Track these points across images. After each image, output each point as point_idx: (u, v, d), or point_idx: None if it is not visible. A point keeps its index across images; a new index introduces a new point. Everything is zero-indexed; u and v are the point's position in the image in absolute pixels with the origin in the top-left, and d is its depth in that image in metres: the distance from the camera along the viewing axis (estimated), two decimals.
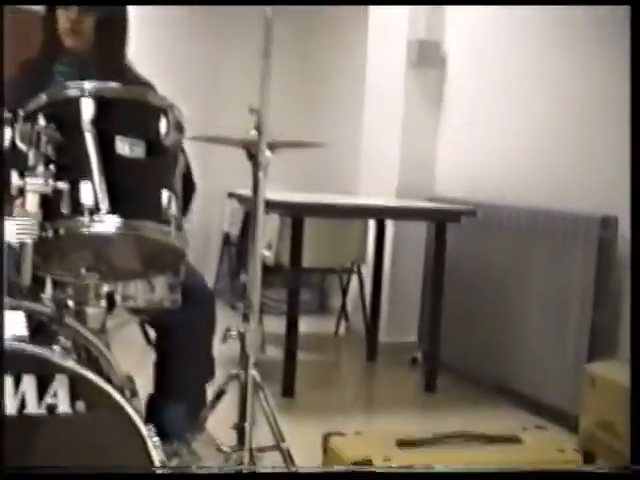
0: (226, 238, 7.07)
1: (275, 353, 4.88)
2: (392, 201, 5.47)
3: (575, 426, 3.94)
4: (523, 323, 4.63)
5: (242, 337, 2.54)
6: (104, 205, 2.07)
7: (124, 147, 2.13)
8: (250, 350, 2.54)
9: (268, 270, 5.52)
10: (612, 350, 4.26)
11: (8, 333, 2.03)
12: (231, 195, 5.13)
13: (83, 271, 2.30)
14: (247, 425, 2.57)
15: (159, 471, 2.08)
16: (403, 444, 1.99)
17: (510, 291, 4.74)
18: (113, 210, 2.08)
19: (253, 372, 2.58)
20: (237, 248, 6.77)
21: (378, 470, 1.42)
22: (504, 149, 5.13)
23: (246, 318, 2.54)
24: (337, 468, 1.81)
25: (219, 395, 2.82)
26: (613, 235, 4.17)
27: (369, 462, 1.88)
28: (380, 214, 5.19)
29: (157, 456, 2.05)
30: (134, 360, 3.12)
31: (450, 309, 4.94)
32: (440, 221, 4.80)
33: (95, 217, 2.06)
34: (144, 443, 2.05)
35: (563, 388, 4.26)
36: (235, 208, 6.52)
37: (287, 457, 2.82)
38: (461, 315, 5.07)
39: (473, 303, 5.03)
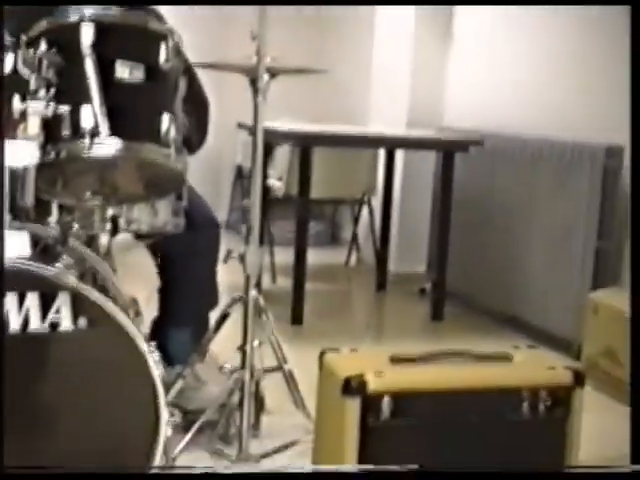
0: (238, 171, 7.11)
1: (286, 284, 4.94)
2: (401, 131, 5.49)
3: (579, 354, 4.01)
4: (528, 252, 4.67)
5: (243, 259, 2.60)
6: (104, 128, 2.11)
7: (124, 71, 2.17)
8: (251, 271, 2.60)
9: (279, 202, 5.58)
10: (616, 278, 4.30)
11: (12, 253, 2.09)
12: (241, 126, 5.15)
13: (87, 195, 2.35)
14: (248, 345, 2.64)
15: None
16: (396, 360, 2.04)
17: (516, 220, 4.77)
18: (113, 133, 2.12)
19: (254, 293, 2.64)
20: (249, 180, 6.79)
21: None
22: (511, 81, 5.15)
23: (247, 240, 2.59)
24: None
25: (223, 318, 2.89)
26: (618, 164, 4.19)
27: (361, 377, 1.94)
28: (389, 144, 5.21)
29: (157, 371, 2.11)
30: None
31: (457, 239, 4.99)
32: (448, 151, 4.82)
33: (95, 140, 2.10)
34: (145, 359, 2.11)
35: (567, 316, 4.30)
36: (246, 141, 6.55)
37: (289, 378, 2.90)
38: (468, 245, 5.12)
39: (480, 233, 5.07)
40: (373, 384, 1.93)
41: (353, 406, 1.93)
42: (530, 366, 2.15)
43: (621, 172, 4.21)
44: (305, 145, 4.56)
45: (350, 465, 1.94)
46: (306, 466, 1.93)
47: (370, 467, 1.91)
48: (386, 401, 1.93)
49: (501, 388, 2.05)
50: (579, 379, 2.11)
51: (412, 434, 1.98)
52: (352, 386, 1.92)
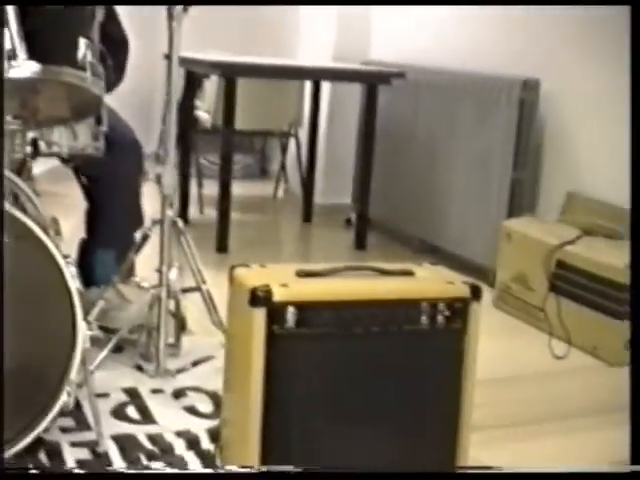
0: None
1: (213, 215, 5.02)
2: (327, 64, 5.57)
3: (494, 281, 4.15)
4: (449, 182, 4.79)
5: (159, 180, 2.69)
6: (22, 51, 2.17)
7: None
8: (167, 191, 2.69)
9: (207, 134, 5.64)
10: (531, 207, 4.45)
11: None
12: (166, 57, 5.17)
13: (8, 118, 2.41)
14: (165, 264, 2.74)
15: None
16: (302, 274, 2.15)
17: (437, 151, 4.89)
18: (31, 57, 2.19)
19: (170, 213, 2.74)
20: (179, 110, 6.83)
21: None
22: (433, 17, 5.23)
23: (161, 161, 2.68)
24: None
25: (143, 239, 2.97)
26: (534, 97, 4.31)
27: (267, 288, 2.04)
28: (313, 75, 5.29)
29: (74, 285, 2.20)
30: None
31: (381, 170, 5.10)
32: (371, 83, 4.92)
33: (13, 63, 2.17)
34: (62, 273, 2.20)
35: (485, 244, 4.43)
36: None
37: (207, 298, 3.01)
38: (392, 176, 5.23)
39: (403, 164, 5.17)
40: (278, 295, 2.03)
41: (259, 315, 2.03)
42: (430, 280, 2.26)
43: (537, 105, 4.33)
44: (229, 76, 4.62)
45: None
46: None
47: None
48: (291, 311, 2.03)
49: (401, 300, 2.16)
50: (476, 293, 2.22)
51: (316, 343, 2.09)
52: (258, 296, 2.03)
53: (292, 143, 6.11)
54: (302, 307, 2.06)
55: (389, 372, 2.20)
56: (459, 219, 4.71)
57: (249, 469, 2.12)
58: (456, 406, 2.27)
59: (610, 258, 3.53)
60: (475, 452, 2.43)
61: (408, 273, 2.27)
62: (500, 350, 3.46)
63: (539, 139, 4.43)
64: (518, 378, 3.39)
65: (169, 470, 2.33)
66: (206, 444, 2.52)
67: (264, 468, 2.12)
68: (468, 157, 4.64)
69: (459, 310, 2.21)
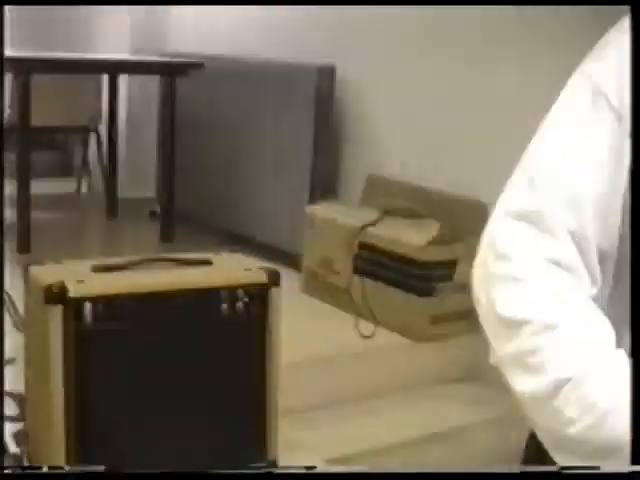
0: None
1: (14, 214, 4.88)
2: (120, 56, 5.51)
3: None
4: (252, 171, 4.81)
5: None
6: None
7: None
8: None
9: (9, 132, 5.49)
10: (333, 192, 4.52)
11: None
12: None
13: None
14: None
15: None
16: (98, 269, 2.12)
17: (238, 141, 4.90)
18: None
19: None
20: None
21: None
22: (226, 6, 5.24)
23: None
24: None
25: None
26: (330, 83, 4.38)
27: (62, 284, 2.01)
28: (109, 68, 5.23)
29: None
30: None
31: (185, 162, 5.08)
32: (169, 74, 4.89)
33: None
34: None
35: (291, 231, 4.48)
36: None
37: (7, 299, 2.93)
38: (196, 167, 5.21)
39: (207, 155, 5.17)
40: (73, 291, 1.99)
41: (56, 313, 1.99)
42: (228, 268, 2.27)
43: (332, 91, 4.40)
44: (22, 72, 4.51)
45: None
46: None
47: None
48: (88, 307, 2.00)
49: (200, 289, 2.16)
50: (274, 278, 2.24)
51: (117, 337, 2.06)
52: (53, 293, 1.98)
53: (93, 138, 6.01)
54: (99, 302, 2.03)
55: (194, 363, 2.20)
56: (263, 207, 4.74)
57: (58, 470, 2.08)
58: (263, 392, 2.29)
59: (410, 237, 3.62)
60: (295, 435, 2.46)
61: (206, 262, 2.27)
62: (309, 334, 3.51)
63: (338, 125, 4.50)
64: (329, 360, 3.44)
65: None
66: (13, 448, 2.46)
67: (73, 469, 2.08)
68: (269, 145, 4.67)
69: (258, 296, 2.22)
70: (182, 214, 5.15)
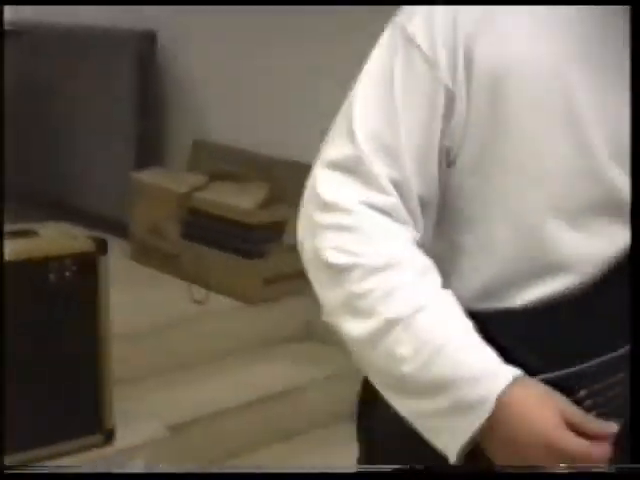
0: None
1: None
2: None
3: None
4: (78, 139, 4.67)
5: None
6: None
7: None
8: None
9: None
10: (159, 158, 4.47)
11: None
12: None
13: None
14: None
15: None
16: None
17: (62, 109, 4.77)
18: None
19: None
20: None
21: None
22: None
23: None
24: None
25: None
26: (152, 48, 4.32)
27: None
28: None
29: None
30: None
31: (15, 133, 4.91)
32: None
33: None
34: None
35: (117, 199, 4.39)
36: None
37: None
38: (25, 138, 5.05)
39: (35, 125, 5.00)
40: None
41: None
42: (54, 239, 2.24)
43: (155, 56, 4.34)
44: None
45: None
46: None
47: None
48: None
49: (28, 260, 2.13)
50: (101, 247, 2.22)
51: None
52: None
53: None
54: None
55: (25, 334, 2.16)
56: (89, 176, 4.63)
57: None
58: (95, 361, 2.27)
59: (238, 200, 3.62)
60: (133, 404, 2.45)
61: (32, 233, 2.23)
62: (141, 302, 3.48)
63: (162, 91, 4.44)
64: (162, 327, 3.42)
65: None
66: None
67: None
68: (93, 113, 4.57)
69: (86, 265, 2.20)
70: (5, 185, 4.98)
